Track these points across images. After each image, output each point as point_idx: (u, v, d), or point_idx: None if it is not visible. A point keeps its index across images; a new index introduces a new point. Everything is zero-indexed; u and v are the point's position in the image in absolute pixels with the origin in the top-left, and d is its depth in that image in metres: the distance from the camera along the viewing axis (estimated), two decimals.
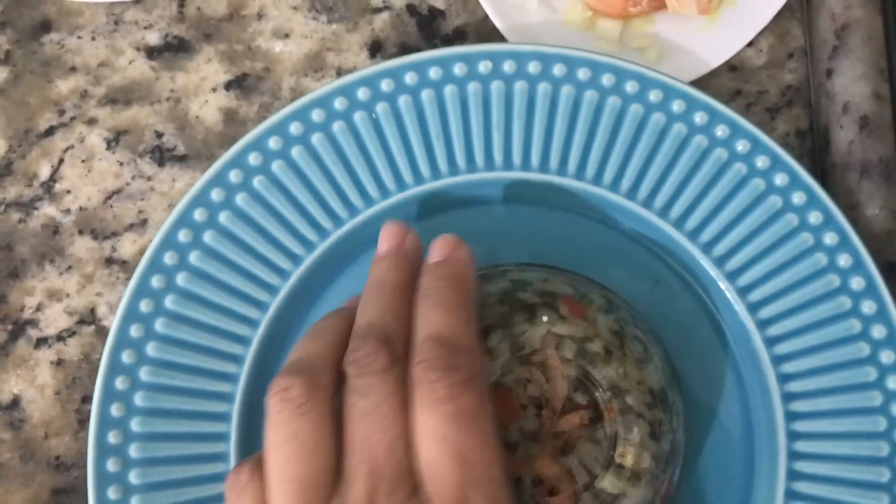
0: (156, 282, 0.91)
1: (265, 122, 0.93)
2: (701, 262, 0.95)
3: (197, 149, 1.02)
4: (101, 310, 1.00)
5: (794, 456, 0.91)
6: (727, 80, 1.05)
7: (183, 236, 0.92)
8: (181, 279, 0.92)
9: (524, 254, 0.97)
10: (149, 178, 1.02)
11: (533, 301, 0.86)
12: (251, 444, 0.93)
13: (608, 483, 0.80)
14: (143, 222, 1.01)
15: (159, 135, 1.02)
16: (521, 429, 0.80)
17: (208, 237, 0.92)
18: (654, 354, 0.89)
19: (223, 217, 0.92)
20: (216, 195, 0.93)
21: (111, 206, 1.01)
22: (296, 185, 0.93)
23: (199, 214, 0.92)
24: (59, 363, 0.98)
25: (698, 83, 1.01)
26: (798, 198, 0.93)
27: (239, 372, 0.93)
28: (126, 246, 1.01)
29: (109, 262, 1.01)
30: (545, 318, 0.83)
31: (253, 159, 0.93)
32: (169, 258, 0.92)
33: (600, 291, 0.91)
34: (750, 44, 1.04)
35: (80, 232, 1.01)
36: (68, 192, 1.01)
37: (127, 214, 1.01)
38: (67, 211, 1.01)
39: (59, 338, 0.99)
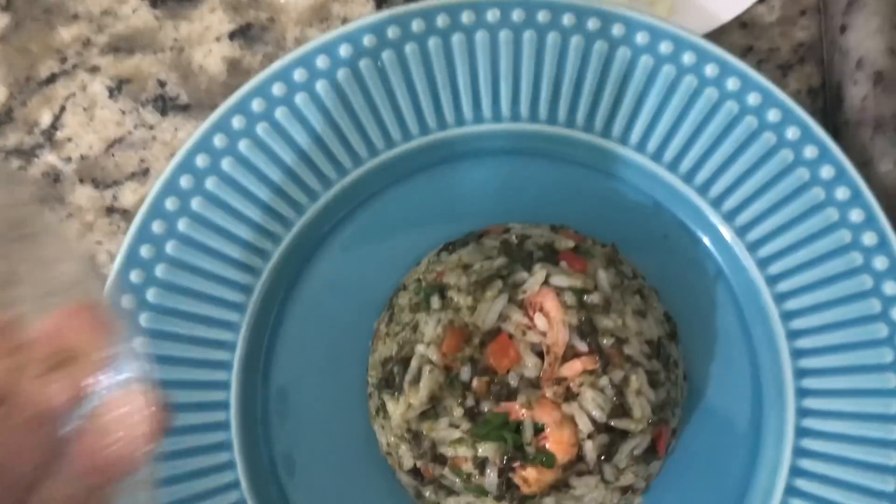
0: (157, 227, 0.94)
1: (269, 69, 0.96)
2: (710, 217, 0.97)
3: (200, 98, 1.06)
4: (100, 258, 1.03)
5: (802, 413, 0.93)
6: (738, 37, 1.07)
7: (185, 182, 0.95)
8: (182, 225, 0.95)
9: (529, 210, 1.00)
10: (151, 128, 1.05)
11: (533, 254, 0.89)
12: (250, 394, 0.96)
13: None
14: (145, 172, 1.04)
15: (162, 84, 1.06)
16: (522, 375, 0.83)
17: (210, 183, 0.95)
18: (653, 308, 0.91)
19: (226, 163, 0.95)
20: (219, 141, 0.96)
21: (113, 155, 1.04)
22: (300, 133, 0.96)
23: (201, 160, 0.95)
24: None
25: (708, 39, 1.03)
26: (810, 152, 0.95)
27: (240, 320, 0.96)
28: (127, 195, 1.04)
29: (110, 210, 1.04)
30: (545, 271, 0.85)
31: (256, 106, 0.96)
32: (170, 204, 0.95)
33: (602, 247, 0.94)
34: (761, 0, 1.06)
35: (81, 180, 1.04)
36: (69, 140, 1.05)
37: (128, 163, 1.04)
38: (68, 159, 1.04)
39: None
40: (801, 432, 0.93)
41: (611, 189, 1.00)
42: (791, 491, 0.93)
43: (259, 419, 0.97)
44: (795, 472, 0.93)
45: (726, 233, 0.97)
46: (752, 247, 0.96)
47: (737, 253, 0.97)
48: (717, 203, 0.97)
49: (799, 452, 0.93)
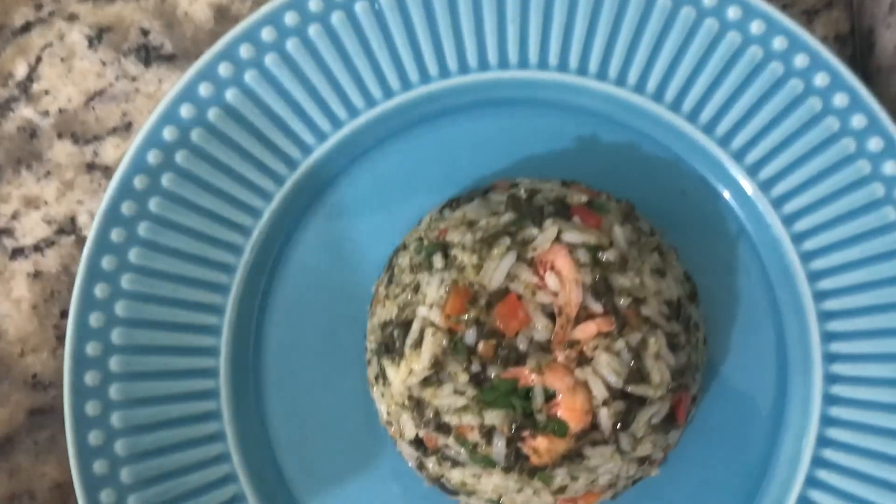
0: (139, 183, 0.89)
1: (258, 12, 0.90)
2: (731, 170, 0.92)
3: (185, 48, 0.99)
4: (81, 218, 0.97)
5: (830, 379, 0.88)
6: None
7: (168, 134, 0.89)
8: (166, 181, 0.89)
9: (538, 165, 0.94)
10: (133, 79, 0.99)
11: (544, 209, 0.83)
12: (241, 359, 0.91)
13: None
14: (128, 126, 0.98)
15: (145, 32, 0.99)
16: (531, 338, 0.78)
17: (196, 136, 0.89)
18: (672, 267, 0.86)
19: (212, 114, 0.90)
20: (204, 90, 0.90)
21: (93, 109, 0.99)
22: (291, 82, 0.90)
23: (185, 111, 0.90)
24: (36, 275, 0.96)
25: None
26: (840, 100, 0.89)
27: (230, 283, 0.90)
28: (108, 151, 0.98)
29: (91, 167, 0.98)
30: (557, 226, 0.80)
31: (245, 52, 0.90)
32: (153, 157, 0.89)
33: (618, 203, 0.88)
34: None
35: (60, 135, 0.98)
36: (47, 92, 0.99)
37: (110, 117, 0.99)
38: (46, 113, 0.99)
39: (37, 248, 0.97)
40: (829, 399, 0.88)
41: (626, 142, 0.95)
42: (818, 461, 0.88)
43: (251, 388, 0.92)
44: (823, 441, 0.88)
45: (749, 187, 0.91)
46: (777, 202, 0.91)
47: (760, 209, 0.91)
48: (739, 155, 0.91)
49: (826, 421, 0.88)
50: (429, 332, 0.78)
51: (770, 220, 0.91)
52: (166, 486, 0.87)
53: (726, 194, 0.93)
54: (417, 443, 0.83)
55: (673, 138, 0.93)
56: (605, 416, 0.77)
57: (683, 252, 0.90)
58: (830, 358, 0.89)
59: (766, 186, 0.91)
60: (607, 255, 0.79)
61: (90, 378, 0.87)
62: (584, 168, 0.93)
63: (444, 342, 0.78)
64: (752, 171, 0.91)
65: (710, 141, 0.91)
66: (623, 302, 0.78)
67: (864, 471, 0.87)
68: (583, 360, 0.77)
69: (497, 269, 0.78)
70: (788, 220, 0.90)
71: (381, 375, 0.84)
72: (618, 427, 0.78)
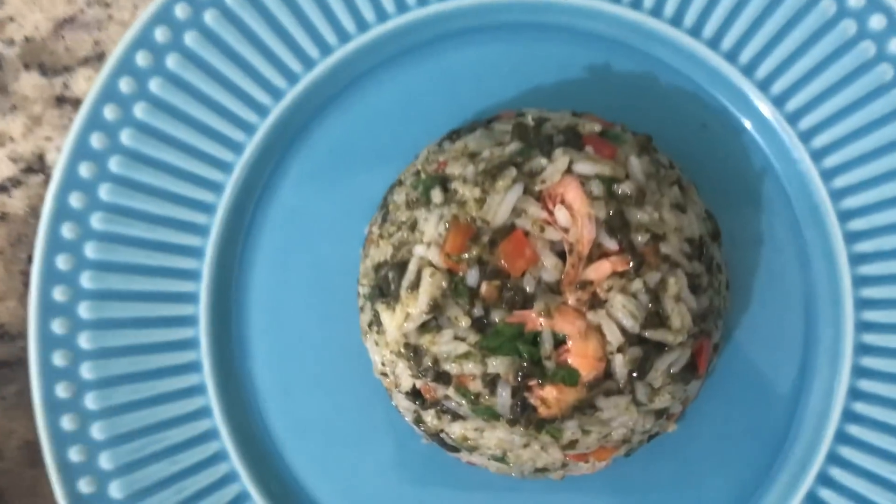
0: (109, 113, 0.82)
1: None
2: (756, 101, 0.85)
3: None
4: (50, 156, 0.90)
5: (862, 327, 0.82)
6: None
7: (142, 60, 0.82)
8: (140, 111, 0.83)
9: (546, 96, 0.87)
10: (106, 5, 0.92)
11: (553, 138, 0.76)
12: (222, 307, 0.85)
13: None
14: (100, 56, 0.91)
15: None
16: (539, 279, 0.71)
17: (172, 62, 0.83)
18: (693, 202, 0.79)
19: (189, 38, 0.83)
20: (181, 12, 0.83)
21: (62, 37, 0.91)
22: (276, 2, 0.83)
23: (161, 35, 0.82)
24: (1, 218, 0.90)
25: None
26: (877, 22, 0.82)
27: (209, 224, 0.84)
28: (80, 83, 0.91)
29: (60, 101, 0.91)
30: (568, 156, 0.73)
31: None
32: (125, 86, 0.82)
33: (634, 135, 0.81)
34: None
35: (27, 66, 0.91)
36: (12, 19, 0.91)
37: (81, 47, 0.91)
38: (11, 42, 0.91)
39: (2, 189, 0.90)
40: (861, 349, 0.82)
41: (641, 72, 0.88)
42: (849, 415, 0.82)
43: (234, 338, 0.85)
44: (854, 394, 0.82)
45: (775, 120, 0.85)
46: (805, 135, 0.84)
47: (787, 143, 0.85)
48: (764, 85, 0.85)
49: (858, 372, 0.82)
50: (426, 272, 0.72)
51: (797, 154, 0.84)
52: (141, 442, 0.81)
53: (750, 127, 0.87)
54: (415, 394, 0.77)
55: (693, 67, 0.86)
56: (619, 364, 0.71)
57: (704, 191, 0.83)
58: (862, 304, 0.82)
59: (793, 118, 0.84)
60: (623, 188, 0.73)
61: (58, 326, 0.81)
62: (596, 100, 0.86)
63: (444, 284, 0.72)
64: (779, 101, 0.84)
65: (732, 69, 0.85)
66: (640, 239, 0.72)
67: None
68: (596, 302, 0.71)
69: (502, 203, 0.72)
70: (817, 155, 0.84)
71: (375, 322, 0.77)
72: (634, 375, 0.72)
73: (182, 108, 0.83)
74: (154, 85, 0.82)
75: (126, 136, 0.82)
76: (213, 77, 0.83)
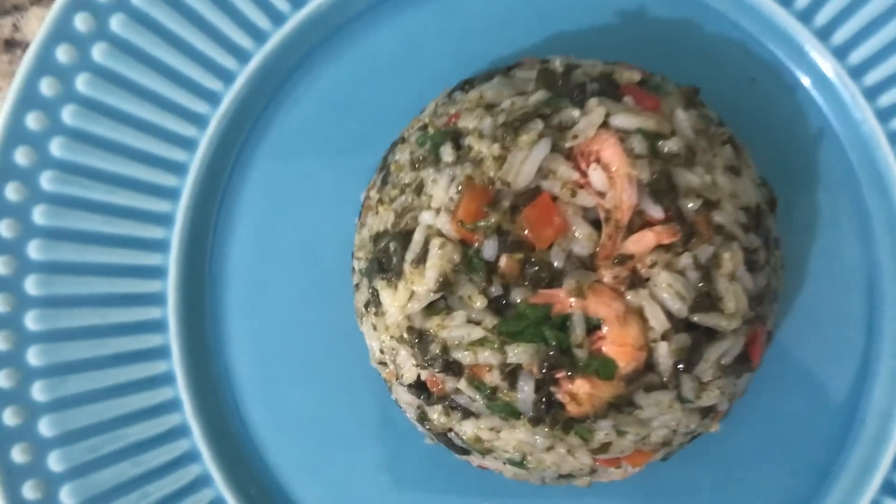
0: (63, 55, 0.72)
1: None
2: (813, 53, 0.76)
3: None
4: None
5: None
6: None
7: None
8: (98, 53, 0.72)
9: (573, 43, 0.78)
10: None
11: (586, 87, 0.66)
12: (194, 283, 0.75)
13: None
14: None
15: None
16: (569, 252, 0.61)
17: None
18: (748, 164, 0.69)
19: None
20: None
21: None
22: None
23: None
24: None
25: None
26: None
27: (180, 186, 0.74)
28: (32, 24, 0.81)
29: (10, 45, 0.81)
30: (604, 107, 0.63)
31: None
32: (82, 24, 0.72)
33: (679, 87, 0.70)
34: None
35: None
36: None
37: None
38: None
39: None
40: None
41: (681, 18, 0.78)
42: None
43: (207, 320, 0.76)
44: None
45: (835, 74, 0.76)
46: (870, 93, 0.75)
47: (848, 101, 0.76)
48: (823, 34, 0.75)
49: None
50: (435, 243, 0.63)
51: (861, 115, 0.75)
52: (97, 440, 0.72)
53: (807, 82, 0.77)
54: (419, 387, 0.68)
55: (741, 13, 0.77)
56: (664, 354, 0.62)
57: (753, 155, 0.73)
58: None
59: (856, 73, 0.75)
60: (669, 145, 0.63)
61: (0, 303, 0.70)
62: (629, 50, 0.76)
63: (456, 257, 0.63)
64: (840, 53, 0.75)
65: (787, 15, 0.76)
66: (691, 205, 0.63)
67: None
68: (636, 280, 0.62)
69: (526, 162, 0.62)
70: (884, 115, 0.75)
71: (373, 302, 0.68)
72: (680, 368, 0.62)
73: (148, 50, 0.73)
74: (116, 23, 0.73)
75: (82, 83, 0.73)
76: (185, 15, 0.74)
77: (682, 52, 0.77)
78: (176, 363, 0.73)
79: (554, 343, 0.61)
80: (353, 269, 0.72)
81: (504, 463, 0.69)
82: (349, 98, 0.76)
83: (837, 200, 0.76)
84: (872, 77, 0.74)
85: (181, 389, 0.73)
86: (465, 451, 0.70)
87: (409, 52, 0.76)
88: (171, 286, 0.73)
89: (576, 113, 0.63)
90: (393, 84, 0.76)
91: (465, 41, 0.76)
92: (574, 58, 0.72)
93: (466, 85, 0.72)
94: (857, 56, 0.74)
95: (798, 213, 0.75)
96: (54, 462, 0.70)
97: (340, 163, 0.76)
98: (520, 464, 0.67)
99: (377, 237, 0.67)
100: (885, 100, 0.74)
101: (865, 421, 0.74)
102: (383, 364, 0.69)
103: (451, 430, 0.67)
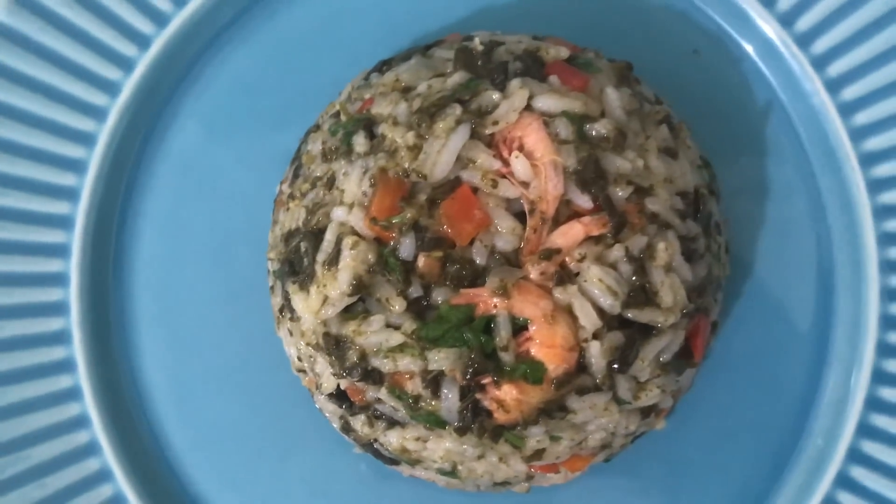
0: None
1: None
2: (759, 21, 0.72)
3: None
4: None
5: (891, 295, 0.70)
6: None
7: None
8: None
9: (500, 17, 0.74)
10: None
11: (508, 66, 0.62)
12: (98, 288, 0.71)
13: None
14: None
15: None
16: (493, 247, 0.58)
17: None
18: (686, 145, 0.66)
19: None
20: None
21: None
22: None
23: None
24: None
25: None
26: None
27: (79, 184, 0.70)
28: None
29: None
30: (527, 89, 0.60)
31: None
32: None
33: (610, 62, 0.66)
34: None
35: None
36: None
37: None
38: None
39: None
40: (890, 321, 0.71)
41: None
42: (874, 403, 0.70)
43: (113, 328, 0.73)
44: (880, 376, 0.71)
45: (782, 43, 0.73)
46: (819, 62, 0.72)
47: (796, 72, 0.73)
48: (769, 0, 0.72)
49: (885, 349, 0.70)
50: (348, 242, 0.59)
51: (810, 86, 0.73)
52: (1, 462, 0.68)
53: (752, 53, 0.74)
54: (340, 397, 0.65)
55: None
56: (596, 354, 0.59)
57: (697, 133, 0.71)
58: (889, 267, 0.71)
59: (804, 41, 0.72)
60: (598, 128, 0.60)
61: None
62: (561, 23, 0.73)
63: (370, 257, 0.59)
64: (787, 20, 0.72)
65: None
66: (621, 193, 0.59)
67: None
68: (565, 276, 0.59)
69: (443, 151, 0.59)
70: (834, 86, 0.72)
71: (287, 307, 0.64)
72: (614, 368, 0.60)
73: (39, 39, 0.69)
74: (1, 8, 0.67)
75: None
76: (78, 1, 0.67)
77: (619, 22, 0.74)
78: (82, 376, 0.69)
79: (478, 347, 0.58)
80: (268, 270, 0.69)
81: (435, 472, 0.66)
82: (263, 81, 0.73)
83: (786, 178, 0.73)
84: (821, 45, 0.71)
85: (89, 404, 0.69)
86: (394, 462, 0.67)
87: (324, 32, 0.73)
88: (73, 294, 0.69)
89: (496, 96, 0.60)
90: (309, 65, 0.73)
91: (385, 18, 0.73)
92: (499, 33, 0.68)
93: (384, 66, 0.68)
94: (804, 22, 0.71)
95: (745, 194, 0.73)
96: None
97: (255, 152, 0.72)
98: (451, 473, 0.64)
99: (289, 236, 0.64)
100: (835, 69, 0.71)
101: (819, 410, 0.71)
102: (303, 372, 0.66)
103: (376, 440, 0.64)
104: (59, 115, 0.69)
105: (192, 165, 0.72)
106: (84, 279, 0.69)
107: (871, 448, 0.70)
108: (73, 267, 0.69)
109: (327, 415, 0.67)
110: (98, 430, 0.69)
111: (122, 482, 0.69)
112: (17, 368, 0.68)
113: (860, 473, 0.70)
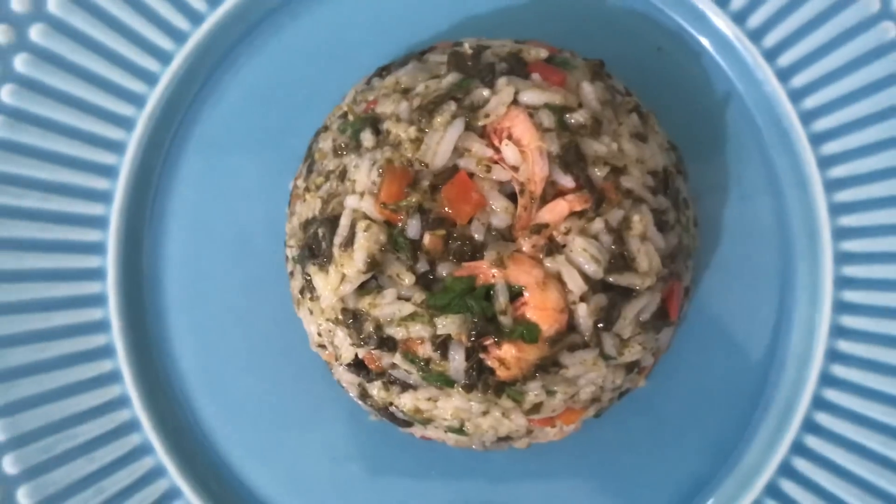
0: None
1: None
2: (715, 19, 0.79)
3: None
4: None
5: (842, 258, 0.77)
6: None
7: None
8: (20, 64, 0.74)
9: (485, 24, 0.81)
10: None
11: (495, 67, 0.70)
12: (133, 280, 0.77)
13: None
14: None
15: None
16: (489, 225, 0.65)
17: None
18: (655, 130, 0.73)
19: None
20: None
21: None
22: None
23: None
24: None
25: None
26: None
27: (112, 188, 0.76)
28: None
29: None
30: (513, 86, 0.67)
31: None
32: (17, 3, 0.74)
33: (585, 60, 0.74)
34: None
35: None
36: None
37: None
38: None
39: None
40: (842, 282, 0.78)
41: None
42: (834, 354, 0.78)
43: (148, 315, 0.78)
44: (837, 331, 0.78)
45: (735, 38, 0.79)
46: (770, 54, 0.79)
47: (750, 63, 0.79)
48: (723, 0, 0.79)
49: (841, 307, 0.78)
50: (361, 226, 0.65)
51: (762, 75, 0.79)
52: (51, 440, 0.74)
53: (709, 47, 0.81)
54: (358, 366, 0.70)
55: None
56: (583, 314, 0.65)
57: (664, 120, 0.77)
58: (841, 233, 0.78)
59: (755, 35, 0.79)
60: (576, 118, 0.67)
61: None
62: (538, 28, 0.79)
63: (382, 237, 0.65)
64: (739, 17, 0.79)
65: None
66: (599, 173, 0.66)
67: (887, 361, 0.76)
68: (553, 247, 0.65)
69: (441, 142, 0.66)
70: (784, 75, 0.79)
71: (308, 288, 0.70)
72: (600, 326, 0.66)
73: (69, 56, 0.75)
74: (35, 32, 0.74)
75: (7, 93, 0.74)
76: (103, 19, 0.75)
77: (589, 25, 0.80)
78: (121, 361, 0.75)
79: (480, 312, 0.64)
80: (287, 257, 0.75)
81: (445, 431, 0.72)
82: (273, 90, 0.79)
83: (746, 158, 0.80)
84: (771, 39, 0.78)
85: (128, 386, 0.75)
86: (407, 424, 0.73)
87: (327, 42, 0.79)
88: (110, 286, 0.75)
89: (486, 93, 0.67)
90: (314, 74, 0.79)
91: (381, 29, 0.79)
92: (485, 39, 0.75)
93: (383, 71, 0.75)
94: (755, 19, 0.78)
95: (710, 174, 0.79)
96: (9, 465, 0.72)
97: (268, 154, 0.78)
98: (459, 430, 0.71)
99: (306, 224, 0.70)
100: (784, 59, 0.78)
101: (784, 366, 0.78)
102: (322, 347, 0.72)
103: (391, 404, 0.71)
104: (93, 125, 0.75)
105: (212, 168, 0.78)
106: (119, 273, 0.75)
107: (834, 395, 0.76)
108: (110, 262, 0.75)
109: (345, 384, 0.74)
110: (137, 408, 0.75)
111: (160, 454, 0.75)
112: (64, 355, 0.74)
113: (824, 419, 0.76)
